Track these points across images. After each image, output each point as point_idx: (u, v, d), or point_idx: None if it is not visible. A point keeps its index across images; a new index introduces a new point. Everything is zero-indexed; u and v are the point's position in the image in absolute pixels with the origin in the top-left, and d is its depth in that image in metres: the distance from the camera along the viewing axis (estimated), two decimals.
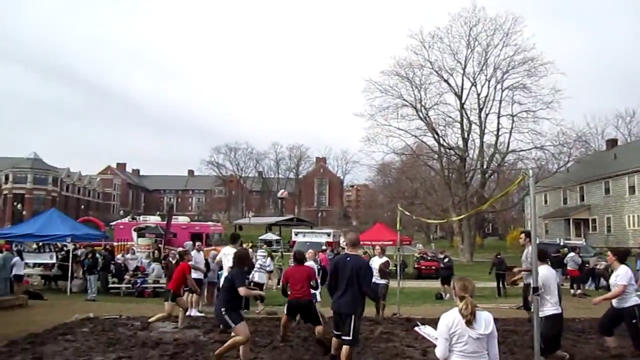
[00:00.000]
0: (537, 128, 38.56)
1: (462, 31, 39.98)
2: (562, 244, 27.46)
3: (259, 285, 13.19)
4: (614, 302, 7.23)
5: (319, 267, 14.15)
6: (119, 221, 36.69)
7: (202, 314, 11.91)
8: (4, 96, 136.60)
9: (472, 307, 3.80)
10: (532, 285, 5.61)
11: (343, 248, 22.90)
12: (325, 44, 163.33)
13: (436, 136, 40.64)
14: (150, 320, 9.90)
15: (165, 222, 27.15)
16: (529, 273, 8.85)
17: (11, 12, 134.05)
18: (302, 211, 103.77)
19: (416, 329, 4.46)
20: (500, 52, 39.48)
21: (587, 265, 19.96)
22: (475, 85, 40.53)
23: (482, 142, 41.16)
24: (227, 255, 9.93)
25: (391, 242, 21.91)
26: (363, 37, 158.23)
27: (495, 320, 3.99)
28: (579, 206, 45.53)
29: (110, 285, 18.05)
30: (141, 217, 36.80)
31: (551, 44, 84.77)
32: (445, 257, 19.94)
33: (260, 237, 49.93)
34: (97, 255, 17.36)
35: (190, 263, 11.14)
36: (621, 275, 7.09)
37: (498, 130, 40.38)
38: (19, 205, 77.19)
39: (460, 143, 41.16)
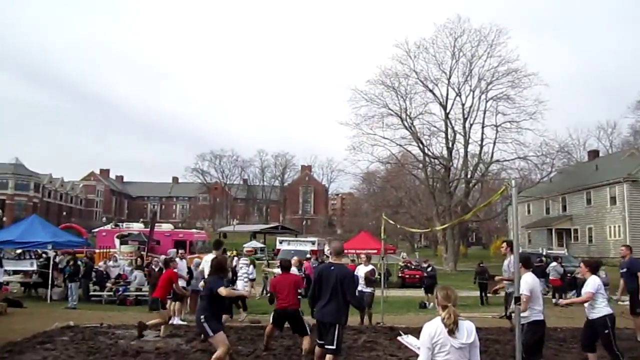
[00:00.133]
0: (520, 138, 38.91)
1: (447, 42, 40.36)
2: (544, 253, 27.68)
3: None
4: (587, 313, 7.33)
5: (303, 275, 14.11)
6: (102, 228, 36.21)
7: (185, 323, 11.80)
8: None
9: (455, 316, 3.81)
10: (514, 295, 5.65)
11: (327, 256, 22.92)
12: (312, 53, 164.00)
13: (421, 145, 40.83)
14: (148, 323, 9.84)
15: (148, 229, 26.87)
16: (511, 282, 8.92)
17: None
18: (287, 219, 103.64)
19: (399, 338, 4.46)
20: (484, 63, 39.89)
21: (569, 274, 20.13)
22: (460, 96, 40.90)
23: (466, 152, 41.46)
24: (209, 262, 9.86)
25: (376, 251, 21.92)
26: (349, 46, 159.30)
27: (478, 329, 4.00)
28: (561, 216, 46.01)
29: (92, 293, 17.84)
30: (124, 224, 36.37)
31: (535, 56, 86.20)
32: (428, 266, 20.02)
33: (245, 245, 49.72)
34: (79, 262, 17.15)
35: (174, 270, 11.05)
36: (590, 284, 7.25)
37: (482, 140, 40.72)
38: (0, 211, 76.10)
39: (445, 153, 41.40)
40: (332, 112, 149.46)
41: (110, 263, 20.38)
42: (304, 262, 22.23)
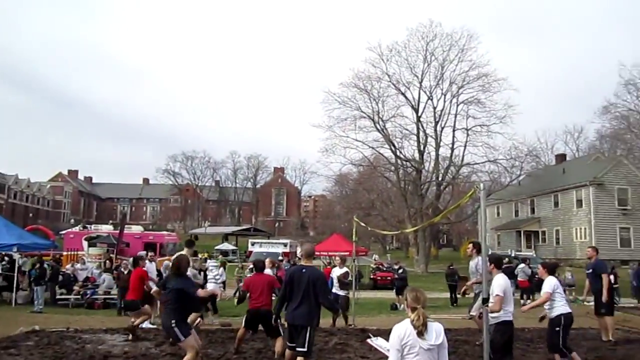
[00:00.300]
0: (490, 142, 39.57)
1: (419, 46, 40.81)
2: (513, 255, 28.16)
3: (212, 296, 12.98)
4: (547, 312, 7.52)
5: (276, 277, 14.02)
6: (69, 230, 35.59)
7: (155, 326, 11.63)
8: None
9: (424, 318, 3.84)
10: (483, 296, 5.73)
11: (299, 259, 22.90)
12: (285, 54, 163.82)
13: (393, 148, 41.16)
14: (135, 323, 9.77)
15: (117, 231, 26.45)
16: (479, 284, 9.05)
17: None
18: (259, 221, 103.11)
19: (368, 340, 4.49)
20: (455, 67, 40.47)
21: (536, 276, 20.49)
22: (432, 99, 41.39)
23: (437, 155, 41.91)
24: None
25: (347, 253, 22.02)
26: (323, 48, 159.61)
27: (447, 330, 4.04)
28: (530, 218, 46.89)
29: (59, 297, 17.46)
30: (92, 226, 35.78)
31: (505, 62, 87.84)
32: (399, 268, 20.15)
33: (217, 247, 49.35)
34: (45, 265, 16.77)
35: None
36: (547, 285, 7.47)
37: (453, 143, 41.24)
38: None
39: (417, 155, 41.82)
40: (305, 114, 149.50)
41: (78, 266, 19.97)
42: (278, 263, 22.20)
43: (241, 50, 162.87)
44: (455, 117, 40.90)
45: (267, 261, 9.71)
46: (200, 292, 6.65)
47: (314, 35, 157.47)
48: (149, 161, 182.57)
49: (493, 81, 38.95)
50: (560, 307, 7.38)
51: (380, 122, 40.79)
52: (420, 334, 3.78)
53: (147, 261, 13.01)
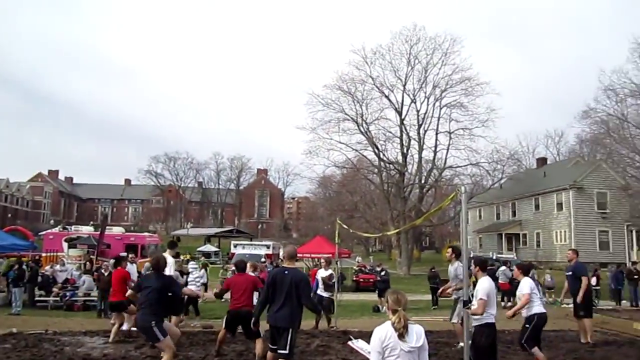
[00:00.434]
0: (473, 145, 39.89)
1: (403, 49, 41.01)
2: (494, 257, 28.39)
3: (193, 299, 12.90)
4: (522, 312, 7.67)
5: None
6: (49, 231, 35.13)
7: (135, 329, 11.52)
8: None
9: (405, 320, 3.86)
10: (462, 299, 5.77)
11: (282, 260, 22.86)
12: (269, 56, 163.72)
13: (376, 150, 41.30)
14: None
15: (98, 233, 26.17)
16: (460, 290, 9.12)
17: None
18: (242, 223, 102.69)
19: (349, 343, 4.50)
20: (439, 70, 40.73)
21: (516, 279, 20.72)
22: (415, 102, 41.60)
23: (420, 158, 42.12)
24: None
25: (330, 255, 22.05)
26: (307, 50, 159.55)
27: (429, 332, 4.07)
28: (511, 221, 47.35)
29: (37, 299, 17.22)
30: (73, 227, 35.34)
31: (487, 66, 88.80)
32: (382, 270, 20.22)
33: (199, 249, 49.08)
34: (24, 266, 16.53)
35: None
36: (525, 286, 7.63)
37: (436, 146, 41.50)
38: None
39: (400, 158, 42.01)
40: (289, 116, 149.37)
41: (58, 267, 19.72)
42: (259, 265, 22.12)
43: (225, 52, 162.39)
44: (438, 120, 41.25)
45: (247, 265, 9.60)
46: (185, 290, 6.60)
47: (298, 37, 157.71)
48: (131, 162, 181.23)
49: (476, 85, 39.36)
50: (536, 307, 7.56)
51: (364, 125, 40.95)
52: (401, 336, 3.80)
53: (127, 263, 12.88)
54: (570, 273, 10.54)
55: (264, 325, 8.88)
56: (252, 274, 9.45)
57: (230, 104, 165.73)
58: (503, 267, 20.38)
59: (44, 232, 35.66)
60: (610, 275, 21.35)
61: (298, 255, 20.89)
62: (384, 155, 41.75)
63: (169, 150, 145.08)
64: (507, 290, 19.28)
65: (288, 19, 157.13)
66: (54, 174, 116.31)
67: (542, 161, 54.59)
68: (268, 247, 41.42)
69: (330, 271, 12.69)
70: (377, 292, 19.09)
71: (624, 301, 19.78)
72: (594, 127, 37.17)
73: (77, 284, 18.06)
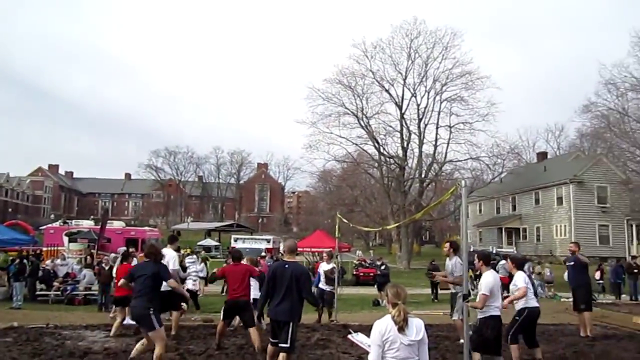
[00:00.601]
0: (473, 139, 39.80)
1: (403, 43, 40.88)
2: (494, 251, 28.43)
3: (193, 293, 12.90)
4: (517, 304, 7.62)
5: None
6: (49, 225, 35.15)
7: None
8: None
9: (405, 313, 3.87)
10: (462, 293, 5.78)
11: (282, 254, 22.90)
12: (270, 50, 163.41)
13: (376, 145, 41.24)
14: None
15: (99, 227, 26.20)
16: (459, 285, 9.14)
17: None
18: (242, 217, 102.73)
19: (349, 336, 4.50)
20: (439, 64, 40.61)
21: None
22: (415, 96, 41.52)
23: (420, 152, 42.09)
24: (171, 256, 9.67)
25: (331, 249, 22.09)
26: (307, 44, 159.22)
27: (429, 326, 4.08)
28: (511, 215, 47.39)
29: (38, 293, 17.26)
30: (73, 222, 35.38)
31: (488, 60, 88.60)
32: (382, 265, 20.26)
33: (199, 243, 49.12)
34: (25, 260, 16.56)
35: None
36: (520, 280, 7.57)
37: (436, 140, 41.44)
38: None
39: (400, 152, 41.97)
40: (289, 110, 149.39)
41: (58, 261, 19.76)
42: (260, 260, 22.15)
43: (225, 46, 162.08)
44: (439, 114, 41.17)
45: (245, 259, 9.62)
46: (171, 282, 6.58)
47: (298, 31, 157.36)
48: (131, 156, 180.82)
49: (476, 79, 39.26)
50: (528, 300, 7.50)
51: (364, 119, 40.89)
52: (401, 329, 3.81)
53: (133, 258, 12.89)
54: (572, 263, 10.55)
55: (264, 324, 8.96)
56: (246, 263, 9.44)
57: (230, 98, 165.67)
58: (503, 262, 20.37)
59: (44, 227, 35.65)
60: (610, 270, 21.40)
61: (298, 249, 20.92)
62: (384, 149, 41.74)
63: (169, 144, 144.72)
64: (508, 284, 19.28)
65: (288, 13, 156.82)
66: (54, 168, 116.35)
67: (542, 155, 54.58)
68: (268, 241, 41.43)
69: (332, 265, 12.73)
70: (377, 286, 19.13)
71: (623, 295, 19.83)
72: (595, 121, 37.10)
73: (78, 278, 18.09)
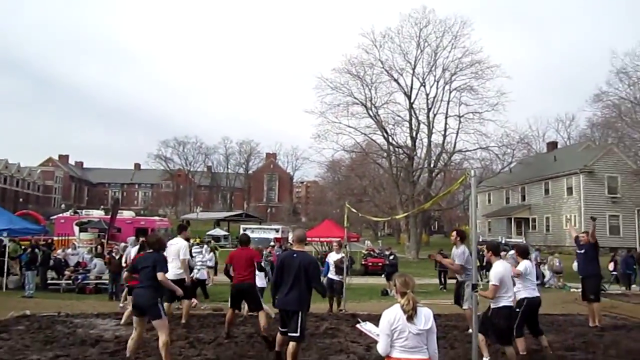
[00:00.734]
0: (482, 129, 39.67)
1: (412, 32, 40.66)
2: (503, 242, 28.36)
3: (201, 282, 12.95)
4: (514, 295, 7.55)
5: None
6: (60, 215, 35.48)
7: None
8: None
9: (414, 302, 3.88)
10: (472, 282, 5.79)
11: (291, 244, 22.96)
12: (278, 39, 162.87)
13: (385, 135, 41.15)
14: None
15: (109, 217, 26.40)
16: (466, 271, 9.16)
17: None
18: (251, 207, 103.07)
19: (358, 326, 4.52)
20: (449, 54, 40.40)
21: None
22: (424, 86, 41.34)
23: (429, 142, 41.97)
24: (173, 245, 9.74)
25: (339, 239, 22.13)
26: (315, 33, 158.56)
27: (437, 315, 4.09)
28: (520, 206, 47.18)
29: (50, 282, 17.45)
30: (84, 212, 35.69)
31: (498, 49, 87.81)
32: (390, 254, 20.27)
33: (208, 233, 49.36)
34: (36, 250, 16.73)
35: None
36: (521, 265, 7.55)
37: (445, 130, 41.29)
38: None
39: (409, 142, 41.85)
40: (298, 100, 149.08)
41: (69, 251, 19.98)
42: (270, 250, 22.24)
43: (234, 36, 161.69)
44: (448, 104, 41.02)
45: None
46: (160, 275, 6.60)
47: (307, 20, 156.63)
48: (140, 146, 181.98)
49: (486, 68, 39.04)
50: (527, 290, 7.42)
51: (373, 109, 40.79)
52: (410, 318, 3.82)
53: (137, 247, 12.97)
54: (582, 251, 10.48)
55: (272, 311, 9.03)
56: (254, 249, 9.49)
57: (239, 88, 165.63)
58: (512, 252, 20.33)
59: (55, 217, 36.02)
60: (620, 260, 21.29)
61: (307, 239, 20.97)
62: (393, 139, 41.67)
63: (178, 134, 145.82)
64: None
65: (297, 3, 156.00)
66: (64, 158, 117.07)
67: (552, 145, 54.19)
68: (277, 230, 41.59)
69: (342, 254, 12.76)
70: (385, 275, 19.17)
71: (633, 286, 19.73)
72: (606, 111, 36.82)
73: (89, 267, 18.27)
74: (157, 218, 41.64)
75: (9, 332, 8.84)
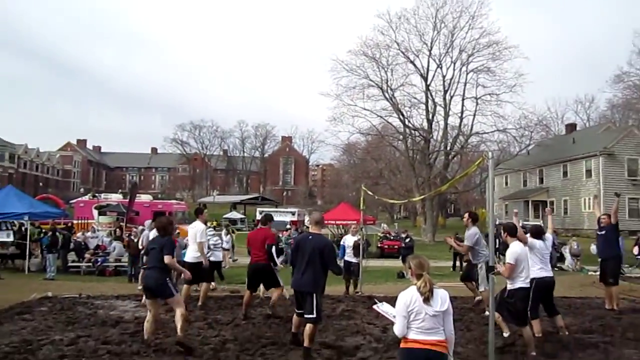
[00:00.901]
0: (500, 111, 39.21)
1: (428, 12, 40.09)
2: (520, 225, 28.16)
3: (217, 264, 13.07)
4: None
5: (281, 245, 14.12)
6: (79, 199, 35.97)
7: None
8: None
9: (430, 284, 3.89)
10: (487, 264, 5.78)
11: (307, 227, 23.07)
12: (293, 22, 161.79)
13: (401, 117, 40.85)
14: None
15: (127, 200, 26.71)
16: (477, 253, 9.20)
17: None
18: (267, 190, 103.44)
19: (374, 307, 4.54)
20: (466, 34, 39.77)
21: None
22: (441, 67, 40.85)
23: (446, 124, 41.62)
24: (191, 228, 9.93)
25: (355, 222, 22.17)
26: (331, 15, 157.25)
27: (454, 298, 4.10)
28: (538, 188, 46.72)
29: (70, 264, 17.76)
30: (102, 195, 36.15)
31: (516, 29, 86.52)
32: (407, 237, 20.30)
33: (225, 216, 49.75)
34: (57, 233, 17.02)
35: None
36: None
37: (462, 112, 40.89)
38: None
39: (425, 124, 41.53)
40: (313, 83, 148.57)
41: (89, 234, 20.28)
42: (284, 232, 22.38)
43: (250, 19, 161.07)
44: (465, 85, 40.54)
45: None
46: (167, 258, 6.69)
47: (322, 2, 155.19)
48: (157, 130, 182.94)
49: (504, 49, 38.44)
50: (536, 271, 7.34)
51: (389, 91, 40.45)
52: (427, 300, 3.84)
53: (154, 230, 13.10)
54: (603, 232, 10.37)
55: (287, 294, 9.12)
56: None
57: (254, 71, 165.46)
58: (528, 235, 20.21)
59: (74, 200, 36.51)
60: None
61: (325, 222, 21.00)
62: (409, 121, 41.36)
63: (194, 118, 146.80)
64: None
65: None
66: (82, 143, 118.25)
67: (571, 127, 53.36)
68: (293, 213, 41.76)
69: (358, 236, 12.80)
70: (401, 258, 19.20)
71: None
72: (627, 92, 36.21)
73: (108, 250, 18.56)
74: (174, 202, 42.02)
75: (32, 313, 9.05)
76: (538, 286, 7.24)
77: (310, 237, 6.85)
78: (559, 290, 7.84)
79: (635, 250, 20.74)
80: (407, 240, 19.90)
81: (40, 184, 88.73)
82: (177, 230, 13.87)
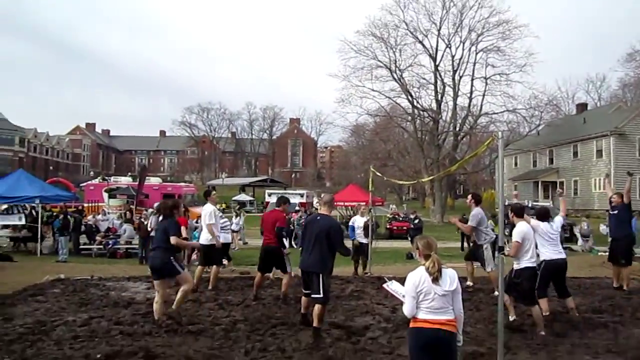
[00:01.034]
0: (509, 91, 38.83)
1: None
2: (530, 205, 28.05)
3: (226, 246, 13.14)
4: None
5: (293, 227, 14.14)
6: (89, 182, 36.20)
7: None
8: None
9: (439, 264, 3.90)
10: (489, 244, 5.78)
11: (316, 209, 23.11)
12: (301, 3, 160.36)
13: (410, 98, 40.58)
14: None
15: (136, 183, 26.84)
16: (480, 233, 9.23)
17: None
18: (275, 172, 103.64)
19: (384, 285, 4.56)
20: (475, 13, 39.25)
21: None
22: (450, 47, 40.44)
23: (455, 105, 41.33)
24: (203, 210, 10.04)
25: (364, 203, 22.17)
26: None
27: (463, 278, 4.10)
28: (548, 169, 46.41)
29: (82, 247, 17.94)
30: (112, 178, 36.36)
31: (525, 7, 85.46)
32: (415, 218, 20.30)
33: (234, 198, 49.95)
34: (68, 216, 17.18)
35: None
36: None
37: (471, 92, 40.54)
38: None
39: (434, 105, 41.25)
40: (321, 64, 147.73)
41: (100, 217, 20.45)
42: (293, 214, 22.43)
43: (257, 1, 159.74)
44: (474, 65, 40.11)
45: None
46: (173, 239, 6.78)
47: None
48: (165, 113, 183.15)
49: (513, 28, 37.95)
50: (545, 253, 7.30)
51: (397, 72, 40.14)
52: (435, 280, 3.85)
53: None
54: (615, 212, 10.32)
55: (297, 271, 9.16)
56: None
57: (262, 53, 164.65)
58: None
59: (84, 184, 36.77)
60: None
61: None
62: (417, 102, 41.06)
63: (202, 101, 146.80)
64: None
65: None
66: (91, 126, 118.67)
67: (581, 107, 52.75)
68: (302, 195, 41.82)
69: (367, 217, 12.82)
70: (410, 239, 19.22)
71: None
72: (639, 71, 35.63)
73: (119, 232, 18.71)
74: (183, 184, 42.17)
75: (45, 295, 9.17)
76: (547, 268, 7.24)
77: (318, 217, 6.89)
78: (569, 270, 7.80)
79: None
80: (416, 221, 19.90)
81: (51, 167, 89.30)
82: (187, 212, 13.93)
